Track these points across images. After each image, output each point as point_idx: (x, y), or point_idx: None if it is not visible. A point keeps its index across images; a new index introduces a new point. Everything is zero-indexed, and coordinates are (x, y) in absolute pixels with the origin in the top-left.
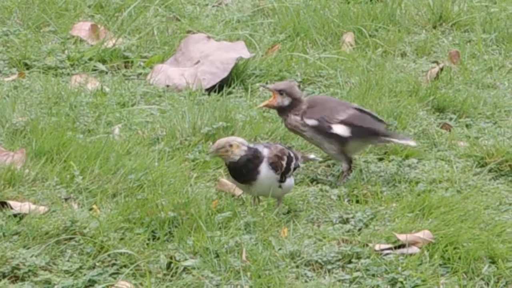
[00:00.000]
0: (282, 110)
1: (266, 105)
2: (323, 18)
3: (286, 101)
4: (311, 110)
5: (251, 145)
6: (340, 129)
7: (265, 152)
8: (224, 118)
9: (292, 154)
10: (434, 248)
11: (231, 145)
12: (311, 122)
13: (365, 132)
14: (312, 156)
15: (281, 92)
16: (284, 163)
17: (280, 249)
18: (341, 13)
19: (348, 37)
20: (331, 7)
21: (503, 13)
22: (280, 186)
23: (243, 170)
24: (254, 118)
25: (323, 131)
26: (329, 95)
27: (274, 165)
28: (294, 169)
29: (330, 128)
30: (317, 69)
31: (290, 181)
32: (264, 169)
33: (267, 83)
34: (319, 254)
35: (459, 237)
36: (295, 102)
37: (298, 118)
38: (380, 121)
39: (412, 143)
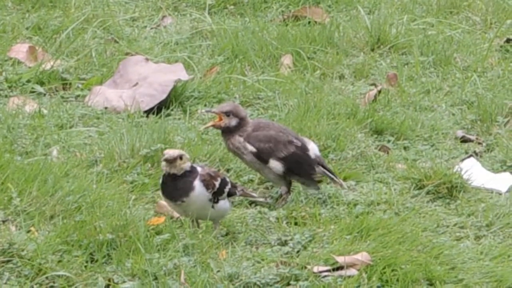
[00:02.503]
0: (229, 131)
1: (213, 125)
2: (262, 40)
3: (234, 122)
4: (255, 136)
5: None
6: (275, 165)
7: (198, 169)
8: (162, 140)
9: (228, 180)
10: (372, 270)
11: (181, 158)
12: (251, 148)
13: (298, 175)
14: (254, 194)
15: (227, 114)
16: (217, 183)
17: (218, 271)
18: (280, 35)
19: (287, 60)
20: (270, 30)
21: (440, 36)
22: (213, 206)
23: (179, 184)
24: (192, 140)
25: (261, 159)
26: (267, 118)
27: (205, 183)
28: (230, 194)
29: (267, 162)
30: (256, 91)
31: (224, 203)
32: (198, 186)
33: (205, 105)
34: (258, 276)
35: (397, 259)
36: (242, 122)
37: (241, 139)
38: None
39: (344, 185)
